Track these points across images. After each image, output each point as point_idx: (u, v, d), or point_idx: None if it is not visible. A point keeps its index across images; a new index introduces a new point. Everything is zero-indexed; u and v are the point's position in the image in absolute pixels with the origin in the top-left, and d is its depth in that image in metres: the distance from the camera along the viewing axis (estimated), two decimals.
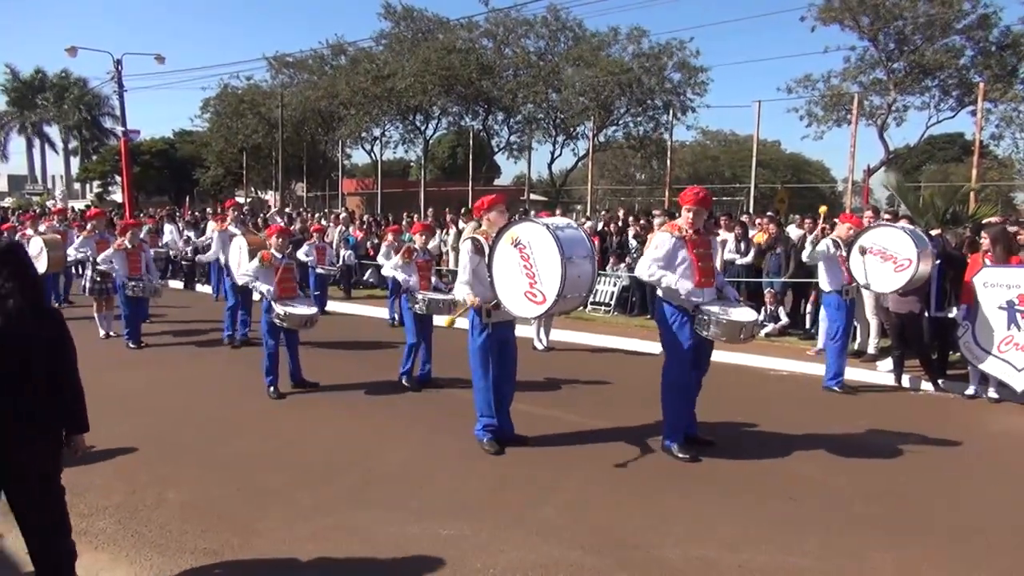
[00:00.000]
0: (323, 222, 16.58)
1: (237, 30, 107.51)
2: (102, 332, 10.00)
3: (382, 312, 12.17)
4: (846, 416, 6.69)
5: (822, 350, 8.47)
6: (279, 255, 7.31)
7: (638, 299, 12.21)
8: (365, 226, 16.53)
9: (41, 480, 3.16)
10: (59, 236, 11.48)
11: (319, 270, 12.18)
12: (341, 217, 17.39)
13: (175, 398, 7.19)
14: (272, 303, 7.07)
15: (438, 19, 29.22)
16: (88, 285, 10.11)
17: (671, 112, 24.46)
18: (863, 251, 7.26)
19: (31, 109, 49.97)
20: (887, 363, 8.23)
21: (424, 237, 8.12)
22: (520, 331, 5.99)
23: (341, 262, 13.80)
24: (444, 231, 14.91)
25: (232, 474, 5.03)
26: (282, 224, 10.40)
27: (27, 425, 3.05)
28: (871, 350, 8.98)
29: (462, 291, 5.54)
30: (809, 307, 10.45)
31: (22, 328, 2.99)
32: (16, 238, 10.91)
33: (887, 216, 9.90)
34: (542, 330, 9.73)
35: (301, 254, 11.48)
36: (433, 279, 8.01)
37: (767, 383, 8.24)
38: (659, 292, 5.53)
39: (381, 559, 3.84)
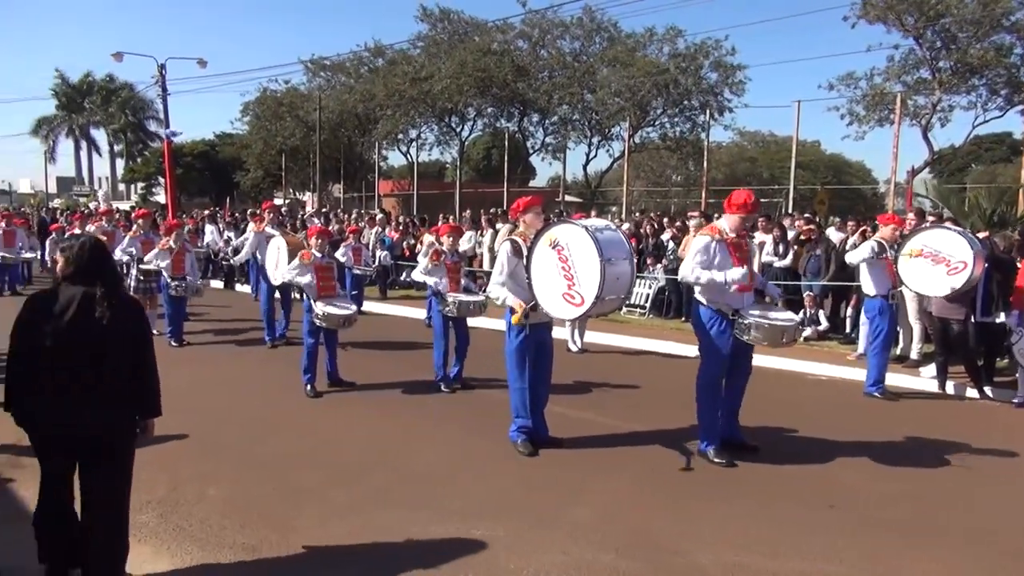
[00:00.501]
0: (359, 223, 16.75)
1: (275, 33, 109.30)
2: None
3: (417, 312, 12.26)
4: (887, 423, 6.55)
5: (863, 355, 8.30)
6: (319, 254, 7.42)
7: (674, 301, 12.12)
8: (401, 227, 16.67)
9: (119, 460, 3.34)
10: (106, 237, 11.74)
11: (355, 271, 12.31)
12: (377, 218, 17.55)
13: (216, 396, 7.34)
14: (313, 302, 7.18)
15: (474, 21, 29.36)
16: (133, 284, 10.34)
17: (708, 113, 24.21)
18: (913, 254, 7.09)
19: (79, 112, 51.47)
20: (930, 369, 8.04)
21: (452, 239, 8.14)
22: (554, 333, 5.98)
23: (377, 263, 13.93)
24: (480, 232, 14.97)
25: (270, 472, 5.12)
26: (320, 225, 10.53)
27: (110, 407, 3.23)
28: (914, 355, 8.77)
29: (496, 291, 5.55)
30: (850, 310, 10.25)
31: (106, 317, 3.18)
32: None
33: (932, 218, 9.66)
34: (576, 332, 9.70)
35: (338, 255, 11.61)
36: (464, 280, 8.01)
37: (806, 388, 8.11)
38: (696, 295, 5.48)
39: (414, 558, 3.86)
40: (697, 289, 5.44)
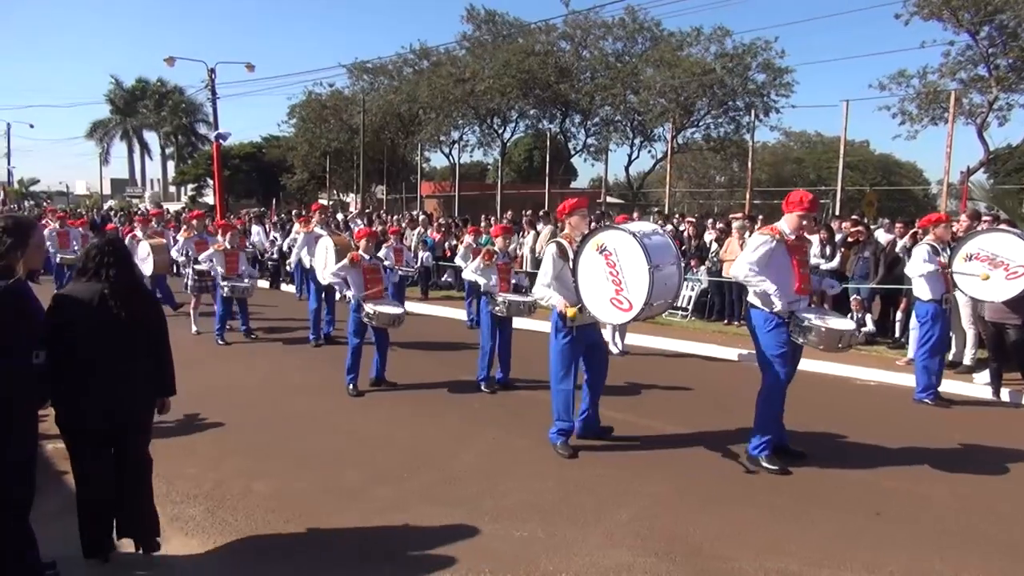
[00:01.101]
0: (400, 224, 16.90)
1: (322, 37, 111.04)
2: (195, 328, 10.49)
3: (458, 313, 12.34)
4: (938, 430, 6.37)
5: (912, 360, 8.08)
6: (367, 256, 7.53)
7: (717, 303, 11.96)
8: (443, 228, 16.78)
9: (143, 435, 3.71)
10: (162, 238, 12.01)
11: (397, 271, 12.41)
12: (420, 219, 17.69)
13: (261, 393, 7.49)
14: (361, 303, 7.28)
15: (517, 23, 29.47)
16: (189, 283, 10.64)
17: (752, 113, 23.87)
18: (968, 257, 6.87)
19: (132, 116, 53.14)
20: (984, 375, 7.79)
21: (504, 240, 8.20)
22: None
23: (419, 263, 14.04)
24: (521, 233, 14.98)
25: (313, 469, 5.21)
26: (365, 227, 10.69)
27: (132, 396, 3.58)
28: (967, 361, 8.50)
29: (542, 292, 5.56)
30: (899, 314, 9.99)
31: (131, 305, 3.52)
32: (127, 241, 11.41)
33: (987, 218, 9.35)
34: (618, 334, 9.65)
35: (380, 256, 11.74)
36: (514, 280, 8.07)
37: (853, 393, 7.93)
38: (750, 298, 5.40)
39: (454, 558, 3.89)
40: (752, 291, 5.35)
